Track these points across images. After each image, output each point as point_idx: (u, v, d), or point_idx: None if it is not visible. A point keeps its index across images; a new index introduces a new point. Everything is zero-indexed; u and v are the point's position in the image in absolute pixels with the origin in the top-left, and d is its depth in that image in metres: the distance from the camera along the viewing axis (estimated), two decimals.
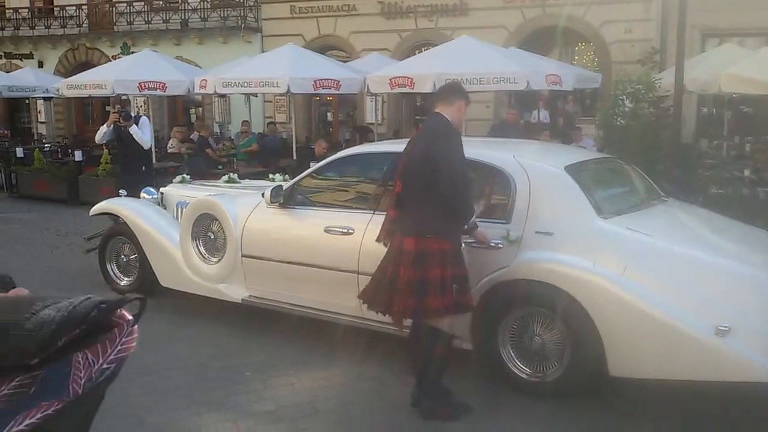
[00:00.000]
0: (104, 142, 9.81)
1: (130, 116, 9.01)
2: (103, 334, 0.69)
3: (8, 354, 0.65)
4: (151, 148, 9.71)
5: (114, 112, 9.06)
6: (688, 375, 3.86)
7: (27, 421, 0.65)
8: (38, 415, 0.66)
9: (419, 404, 4.07)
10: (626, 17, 15.58)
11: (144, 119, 9.19)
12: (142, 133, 8.97)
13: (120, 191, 7.32)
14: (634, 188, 5.24)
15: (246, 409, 4.21)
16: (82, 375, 0.69)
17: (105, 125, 9.11)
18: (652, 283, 3.97)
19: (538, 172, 4.55)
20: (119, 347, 0.71)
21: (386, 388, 4.50)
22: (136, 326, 0.72)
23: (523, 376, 4.35)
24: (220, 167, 12.87)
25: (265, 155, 13.90)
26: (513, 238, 4.34)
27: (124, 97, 9.62)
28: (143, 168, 9.29)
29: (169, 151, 14.71)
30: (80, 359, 0.69)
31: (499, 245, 4.36)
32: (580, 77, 12.54)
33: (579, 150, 7.22)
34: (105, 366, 0.70)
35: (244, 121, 15.94)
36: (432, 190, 3.92)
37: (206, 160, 13.48)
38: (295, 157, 12.67)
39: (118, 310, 0.71)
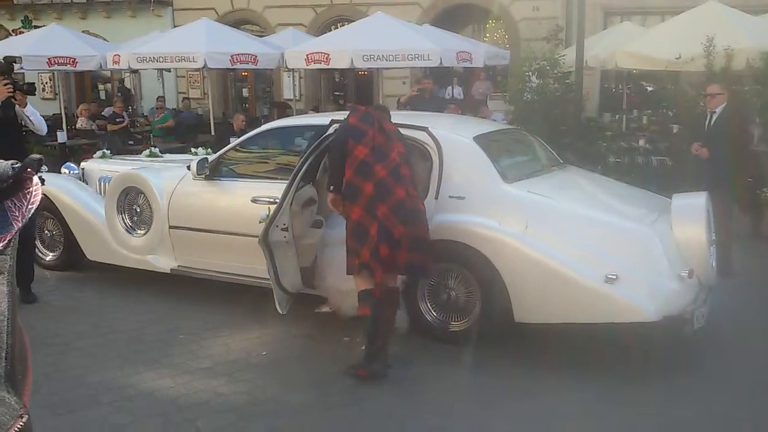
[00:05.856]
0: None
1: (34, 90, 5.81)
2: (20, 185, 1.02)
3: None
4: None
5: (6, 83, 5.42)
6: (583, 318, 4.38)
7: None
8: (2, 243, 0.99)
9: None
10: None
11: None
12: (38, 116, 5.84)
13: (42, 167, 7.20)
14: (536, 156, 5.75)
15: (183, 367, 4.45)
16: (17, 214, 1.01)
17: None
18: (550, 239, 4.46)
19: (449, 142, 4.96)
20: (34, 193, 1.04)
21: (316, 343, 4.86)
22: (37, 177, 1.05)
23: (440, 326, 4.79)
24: (131, 142, 12.73)
25: (181, 131, 13.84)
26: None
27: (18, 67, 5.25)
28: None
29: (77, 127, 14.32)
30: (10, 204, 1.01)
31: None
32: (490, 54, 13.04)
33: (488, 122, 7.70)
34: (30, 206, 1.03)
35: (159, 97, 15.71)
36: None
37: (122, 135, 13.30)
38: (213, 133, 12.69)
39: (27, 169, 1.04)
